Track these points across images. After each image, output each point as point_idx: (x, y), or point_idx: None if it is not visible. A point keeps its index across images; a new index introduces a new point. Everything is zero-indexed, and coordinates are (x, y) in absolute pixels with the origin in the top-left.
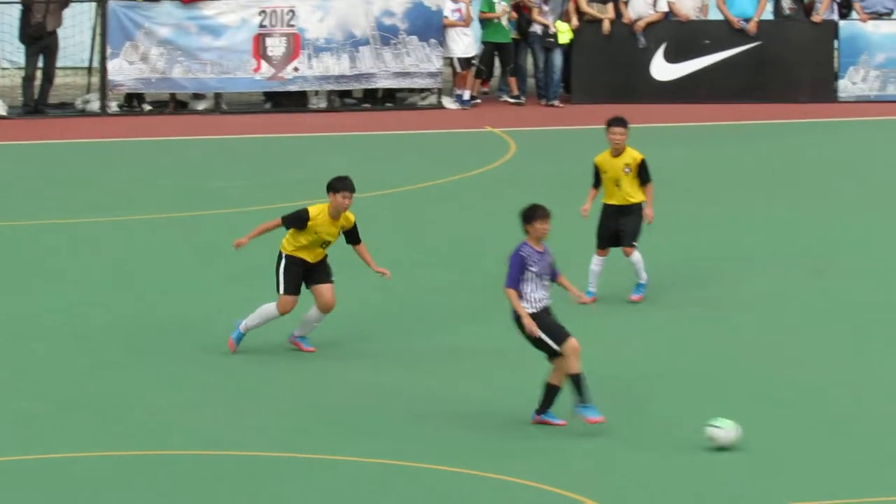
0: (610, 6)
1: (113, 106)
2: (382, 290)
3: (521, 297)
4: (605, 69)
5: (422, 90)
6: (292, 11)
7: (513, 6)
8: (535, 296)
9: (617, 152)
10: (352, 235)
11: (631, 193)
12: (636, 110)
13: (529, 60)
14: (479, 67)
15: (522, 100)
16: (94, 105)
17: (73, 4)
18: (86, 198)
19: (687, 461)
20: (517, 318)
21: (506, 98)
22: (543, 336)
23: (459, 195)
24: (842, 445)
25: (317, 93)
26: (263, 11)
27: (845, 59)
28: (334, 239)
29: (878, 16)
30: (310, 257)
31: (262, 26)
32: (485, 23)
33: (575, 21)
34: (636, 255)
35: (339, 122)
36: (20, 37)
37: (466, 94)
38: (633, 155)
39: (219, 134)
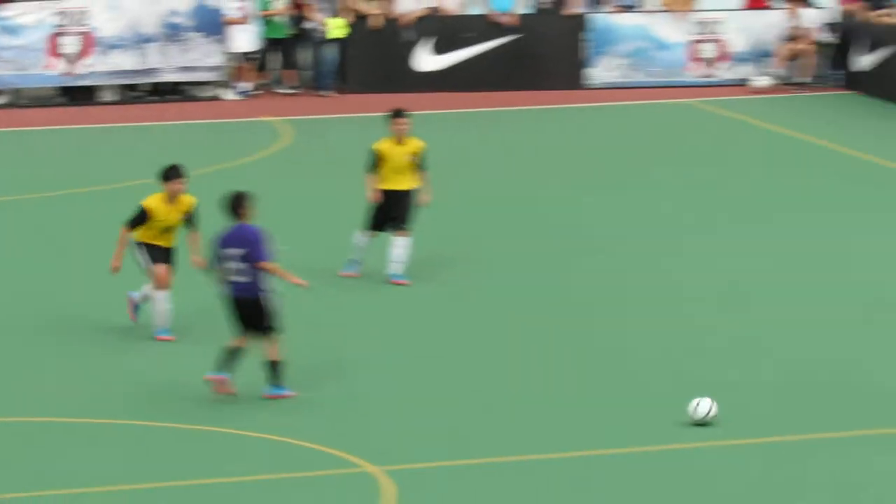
0: (379, 3)
1: None
2: None
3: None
4: (376, 61)
5: (205, 83)
6: (86, 12)
7: (291, 4)
8: None
9: (400, 141)
10: (190, 221)
11: (409, 180)
12: (405, 99)
13: (305, 54)
14: (260, 61)
15: (299, 91)
16: None
17: None
18: None
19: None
20: (261, 291)
21: (283, 90)
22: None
23: (238, 179)
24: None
25: (108, 87)
26: (59, 12)
27: (595, 48)
28: (177, 223)
29: (624, 8)
30: (163, 242)
31: (57, 26)
32: (264, 20)
33: (349, 17)
34: (406, 240)
35: (129, 113)
36: None
37: (247, 86)
38: (415, 143)
39: (17, 126)
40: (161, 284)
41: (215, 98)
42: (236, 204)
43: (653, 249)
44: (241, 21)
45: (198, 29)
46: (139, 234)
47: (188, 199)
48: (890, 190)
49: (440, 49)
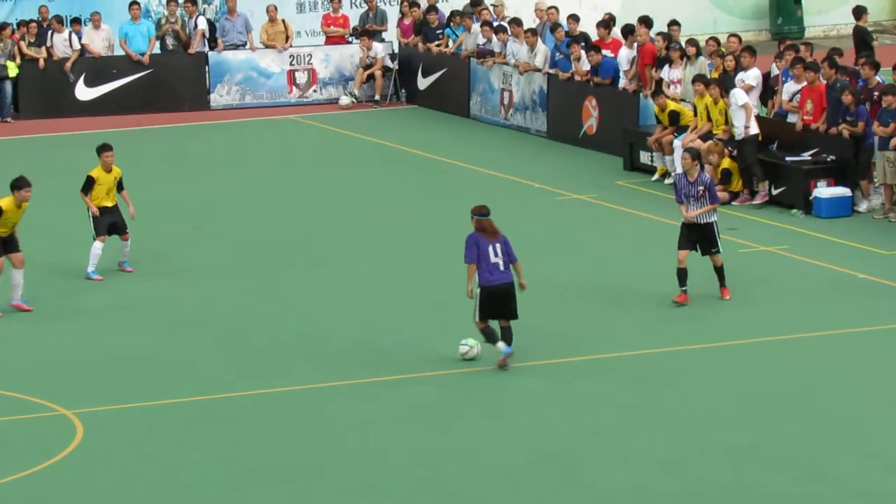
0: (43, 48)
1: None
2: None
3: None
4: (42, 93)
5: None
6: None
7: None
8: None
9: (108, 169)
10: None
11: (114, 199)
12: (68, 123)
13: None
14: None
15: None
16: None
17: None
18: None
19: None
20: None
21: None
22: None
23: None
24: None
25: None
26: None
27: (214, 78)
28: (18, 221)
29: (235, 46)
30: (3, 231)
31: None
32: None
33: (19, 59)
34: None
35: None
36: None
37: None
38: (117, 171)
39: None
40: (20, 265)
41: None
42: None
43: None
44: None
45: None
46: None
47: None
48: (435, 175)
49: (92, 82)
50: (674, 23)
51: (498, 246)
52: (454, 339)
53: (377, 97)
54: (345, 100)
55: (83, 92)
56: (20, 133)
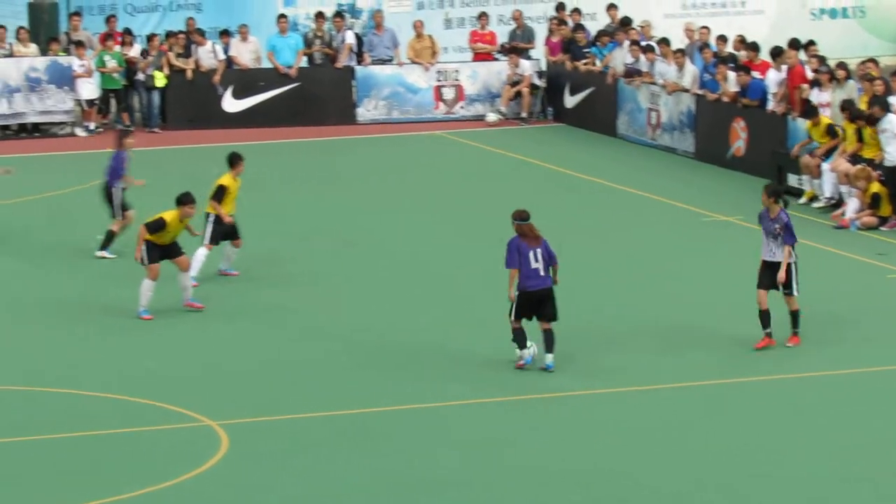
0: (191, 60)
1: None
2: None
3: None
4: (190, 104)
5: (60, 123)
6: None
7: (124, 62)
8: None
9: (238, 176)
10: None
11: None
12: (215, 134)
13: (137, 99)
14: (100, 106)
15: (132, 128)
16: None
17: None
18: None
19: None
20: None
21: (120, 127)
22: None
23: (91, 197)
24: None
25: None
26: None
27: (361, 93)
28: (179, 233)
29: (382, 61)
30: (164, 241)
31: None
32: (101, 74)
33: (167, 70)
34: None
35: (2, 147)
36: None
37: (92, 125)
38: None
39: None
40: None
41: (70, 135)
42: None
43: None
44: (85, 75)
45: (51, 82)
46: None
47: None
48: (580, 193)
49: (239, 94)
50: (811, 43)
51: (539, 251)
52: (606, 357)
53: (524, 114)
54: (491, 116)
55: (230, 104)
56: (167, 144)
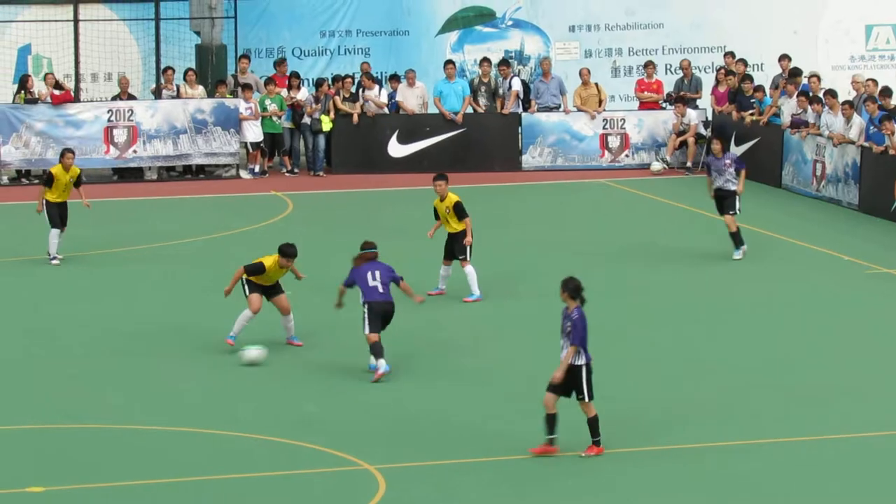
0: (357, 104)
1: (4, 179)
2: None
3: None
4: (356, 149)
5: (224, 165)
6: (132, 110)
7: (290, 105)
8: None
9: (442, 197)
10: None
11: (454, 225)
12: (379, 179)
13: (302, 143)
14: (264, 149)
15: (296, 171)
16: None
17: None
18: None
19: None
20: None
21: (283, 171)
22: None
23: (255, 238)
24: None
25: (150, 168)
26: (110, 110)
27: (526, 140)
28: (279, 278)
29: (549, 108)
30: (265, 282)
31: (109, 121)
32: (262, 118)
33: (333, 114)
34: (469, 268)
35: (167, 189)
36: None
37: (257, 168)
38: (452, 198)
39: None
40: (284, 311)
41: (235, 177)
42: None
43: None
44: (251, 118)
45: (217, 124)
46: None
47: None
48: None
49: (405, 139)
50: None
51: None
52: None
53: (689, 164)
54: (656, 165)
55: (396, 148)
56: (332, 188)
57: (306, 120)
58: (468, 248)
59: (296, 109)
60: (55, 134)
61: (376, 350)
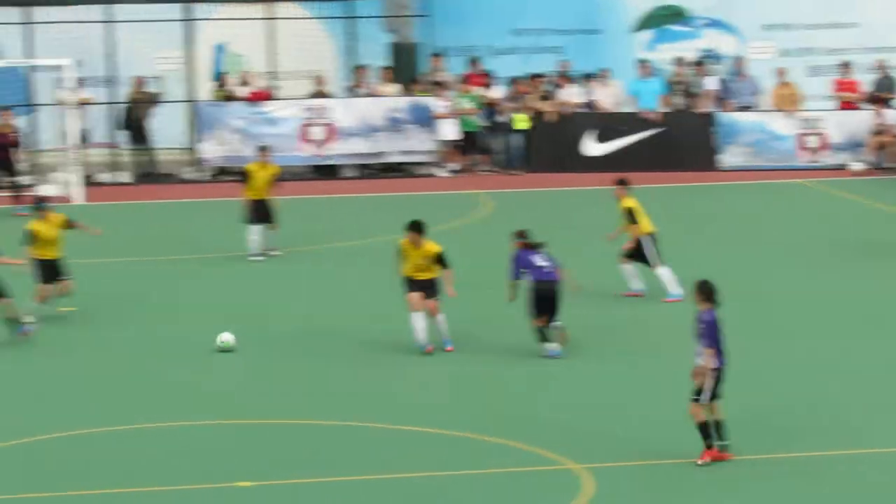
0: (553, 102)
1: (206, 175)
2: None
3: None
4: (552, 147)
5: (421, 163)
6: (327, 107)
7: (485, 103)
8: None
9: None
10: (439, 261)
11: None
12: (576, 178)
13: (498, 141)
14: (460, 147)
15: (492, 170)
16: (191, 175)
17: (172, 104)
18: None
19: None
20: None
21: (479, 169)
22: None
23: (457, 235)
24: None
25: (346, 166)
26: (308, 108)
27: (723, 139)
28: (425, 261)
29: (745, 108)
30: (417, 275)
31: (306, 119)
32: (459, 117)
33: (529, 113)
34: (661, 269)
35: (364, 186)
36: (122, 126)
37: (453, 166)
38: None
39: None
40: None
41: (430, 175)
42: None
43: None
44: (446, 116)
45: (413, 122)
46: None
47: (431, 247)
48: None
49: (601, 138)
50: None
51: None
52: None
53: (891, 164)
54: (856, 166)
55: (592, 147)
56: (529, 186)
57: (501, 118)
58: (648, 250)
59: (491, 108)
60: (252, 131)
61: (544, 334)
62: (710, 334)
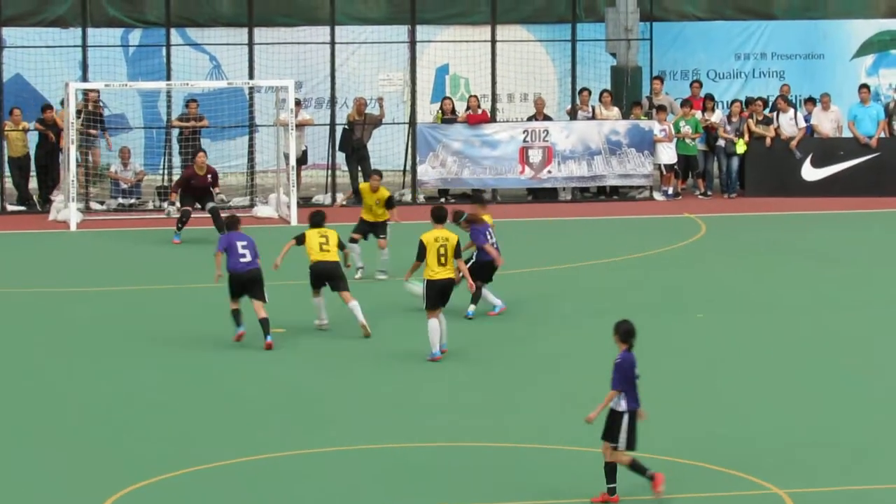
0: (771, 127)
1: (421, 197)
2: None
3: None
4: (769, 172)
5: (638, 187)
6: (547, 130)
7: (704, 127)
8: None
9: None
10: (456, 251)
11: None
12: (793, 202)
13: (715, 165)
14: (678, 171)
15: (709, 194)
16: (407, 197)
17: (391, 126)
18: None
19: None
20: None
21: (697, 193)
22: None
23: (671, 260)
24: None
25: (564, 189)
26: (526, 130)
27: None
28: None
29: None
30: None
31: (525, 141)
32: (677, 140)
33: (747, 137)
34: None
35: (581, 209)
36: (340, 147)
37: (670, 190)
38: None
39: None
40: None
41: (648, 199)
42: None
43: None
44: (665, 140)
45: (631, 145)
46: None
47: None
48: None
49: (818, 163)
50: None
51: None
52: None
53: None
54: None
55: (809, 172)
56: (745, 210)
57: (720, 142)
58: None
59: (710, 132)
60: (471, 154)
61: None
62: (617, 375)
